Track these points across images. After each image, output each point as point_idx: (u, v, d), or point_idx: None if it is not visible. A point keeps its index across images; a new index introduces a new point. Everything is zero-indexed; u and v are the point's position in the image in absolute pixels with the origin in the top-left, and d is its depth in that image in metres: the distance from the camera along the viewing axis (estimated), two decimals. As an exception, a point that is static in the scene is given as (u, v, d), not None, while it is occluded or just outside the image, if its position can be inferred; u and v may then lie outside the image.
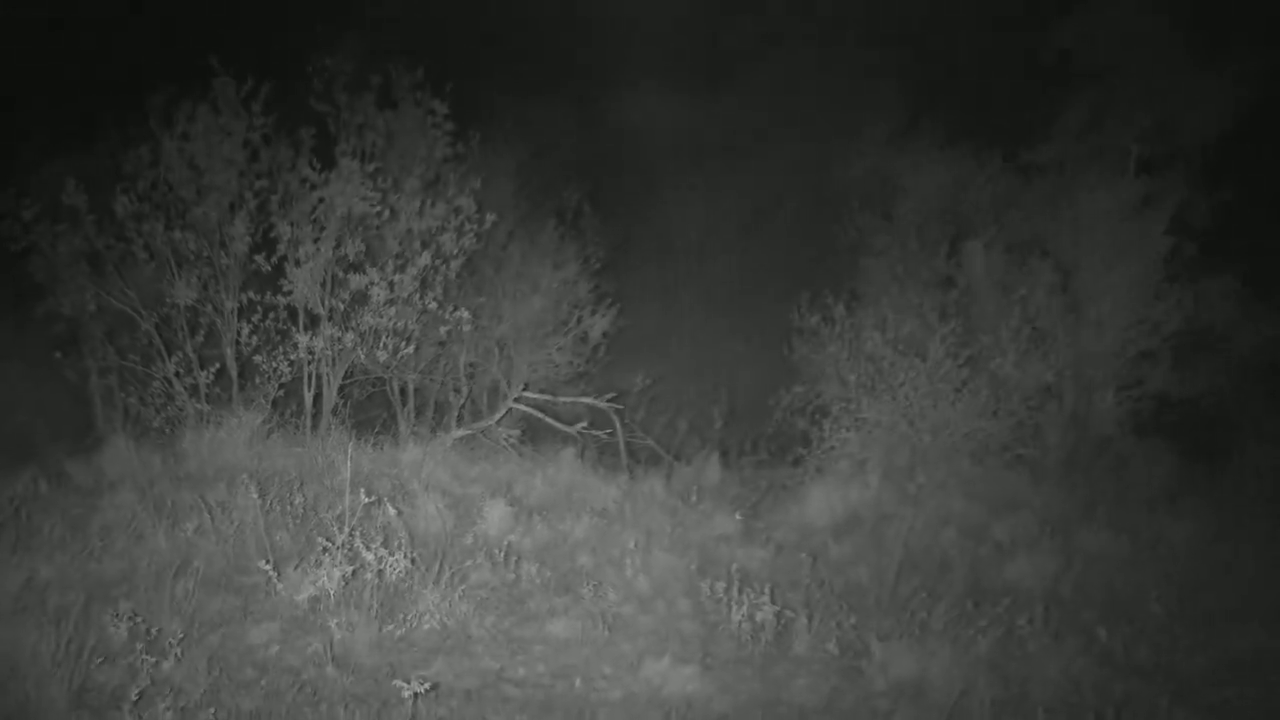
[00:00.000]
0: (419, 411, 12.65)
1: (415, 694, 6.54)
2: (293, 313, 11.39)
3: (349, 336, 11.25)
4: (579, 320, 12.56)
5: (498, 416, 12.34)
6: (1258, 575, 9.48)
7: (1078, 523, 10.58)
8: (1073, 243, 12.97)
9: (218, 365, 11.46)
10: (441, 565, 8.33)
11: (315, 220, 11.23)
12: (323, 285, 11.23)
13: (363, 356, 11.46)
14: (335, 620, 7.50)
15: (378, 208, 11.28)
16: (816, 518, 10.50)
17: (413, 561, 8.30)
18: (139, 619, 7.14)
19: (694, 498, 10.76)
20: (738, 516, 10.25)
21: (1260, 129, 13.72)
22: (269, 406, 11.36)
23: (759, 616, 7.90)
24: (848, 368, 12.63)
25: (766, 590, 8.16)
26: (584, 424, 12.47)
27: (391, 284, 11.19)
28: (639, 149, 19.77)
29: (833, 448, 12.36)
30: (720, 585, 8.24)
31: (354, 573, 7.96)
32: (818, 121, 17.85)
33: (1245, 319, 13.84)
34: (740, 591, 8.10)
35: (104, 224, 11.26)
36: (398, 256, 11.39)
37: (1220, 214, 13.68)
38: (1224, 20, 13.93)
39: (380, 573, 8.03)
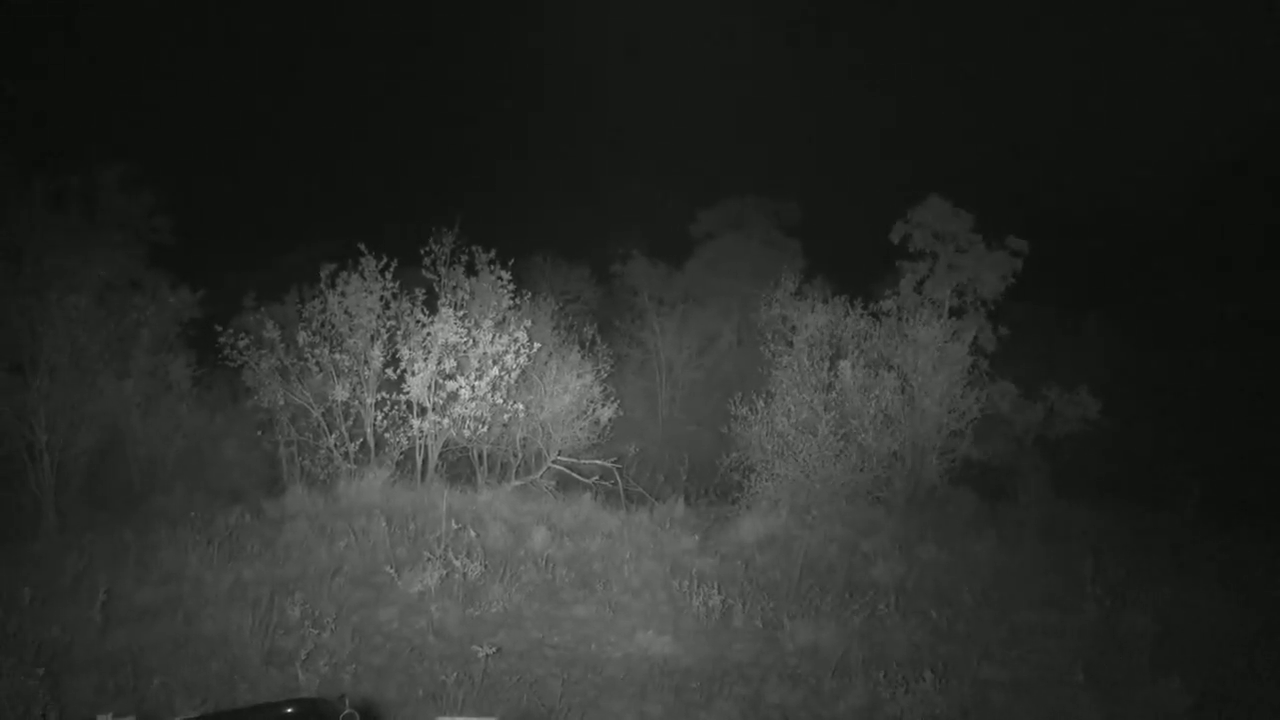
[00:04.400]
0: (490, 469, 12.58)
1: (486, 655, 6.50)
2: (410, 406, 11.38)
3: (446, 421, 11.25)
4: (593, 410, 12.54)
5: (540, 472, 12.29)
6: (1032, 574, 9.44)
7: (915, 541, 10.51)
8: (908, 361, 13.02)
9: (361, 440, 11.48)
10: (504, 569, 8.29)
11: (425, 346, 11.28)
12: (429, 388, 11.24)
13: (454, 434, 11.44)
14: (435, 606, 7.47)
15: (465, 339, 11.35)
16: (747, 538, 10.42)
17: (485, 567, 8.26)
18: (307, 605, 7.10)
19: (668, 525, 10.69)
20: (696, 537, 10.18)
21: (1025, 287, 13.91)
22: (394, 466, 11.34)
23: (710, 603, 7.86)
24: (766, 440, 12.62)
25: (715, 585, 8.14)
26: (596, 477, 12.42)
27: (473, 387, 11.22)
28: (632, 301, 19.96)
29: (756, 492, 12.29)
30: (685, 582, 8.20)
31: (447, 574, 7.93)
32: (745, 282, 18.04)
33: (1017, 409, 13.92)
34: (698, 586, 8.07)
35: (290, 349, 11.35)
36: (477, 370, 11.41)
37: (1001, 342, 13.81)
38: (999, 215, 14.21)
39: (464, 574, 8.00)
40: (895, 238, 14.15)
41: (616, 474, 12.51)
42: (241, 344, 11.26)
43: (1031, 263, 13.75)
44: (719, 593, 8.00)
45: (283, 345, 11.34)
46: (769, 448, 12.56)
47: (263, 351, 11.35)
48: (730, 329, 19.93)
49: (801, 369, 12.93)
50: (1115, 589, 8.62)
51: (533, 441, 12.57)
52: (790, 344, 13.45)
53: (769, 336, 13.98)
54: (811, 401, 12.56)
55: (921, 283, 13.94)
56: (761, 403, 12.90)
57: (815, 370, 12.90)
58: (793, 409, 12.58)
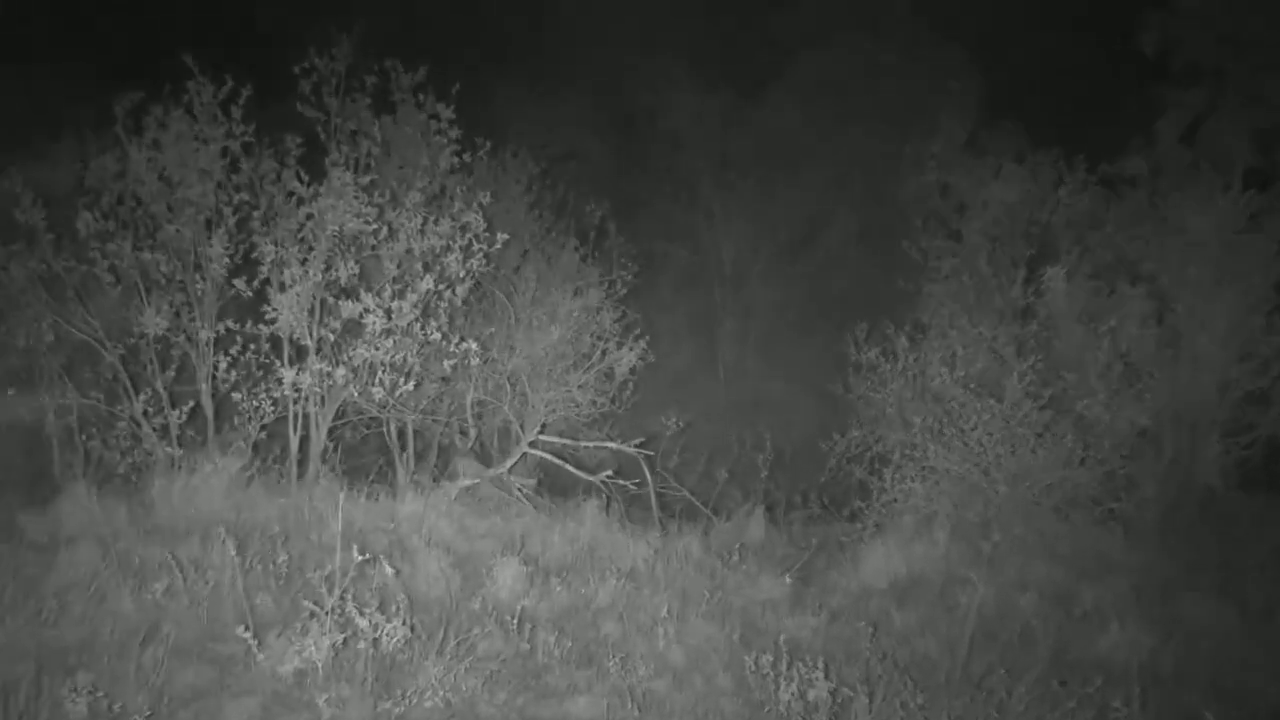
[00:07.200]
0: (420, 457, 12.62)
1: (415, 783, 6.51)
2: (276, 344, 11.35)
3: (340, 371, 11.21)
4: (603, 354, 12.53)
5: (510, 463, 12.31)
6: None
7: (1179, 589, 10.45)
8: (1169, 267, 12.85)
9: (191, 404, 11.43)
10: (445, 633, 8.30)
11: (303, 240, 11.22)
12: (311, 313, 11.21)
13: (356, 394, 11.43)
14: (324, 696, 7.45)
15: (374, 225, 11.26)
16: (876, 580, 10.41)
17: (412, 629, 8.25)
18: (100, 693, 7.10)
19: (735, 557, 10.68)
20: (786, 579, 10.17)
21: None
22: (249, 451, 11.34)
23: (811, 695, 7.81)
24: (912, 409, 12.55)
25: (820, 664, 8.08)
26: (609, 472, 12.42)
27: (389, 311, 11.14)
28: (671, 157, 19.77)
29: (895, 500, 12.26)
30: (766, 658, 8.15)
31: (345, 641, 7.91)
32: (876, 127, 17.80)
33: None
34: (789, 666, 8.01)
35: (63, 243, 11.24)
36: (396, 280, 11.36)
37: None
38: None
39: (375, 642, 7.98)
40: (1148, 47, 13.91)
41: (645, 467, 12.50)
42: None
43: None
44: (826, 677, 7.97)
45: (50, 236, 11.25)
46: (917, 422, 12.50)
47: (15, 247, 11.28)
48: (845, 211, 19.78)
49: (977, 281, 12.81)
50: None
51: (496, 409, 12.57)
52: (957, 236, 13.31)
53: (917, 224, 13.85)
54: (994, 340, 12.45)
55: (1193, 128, 13.71)
56: (904, 341, 12.80)
57: (1001, 285, 12.78)
58: (960, 352, 12.47)
